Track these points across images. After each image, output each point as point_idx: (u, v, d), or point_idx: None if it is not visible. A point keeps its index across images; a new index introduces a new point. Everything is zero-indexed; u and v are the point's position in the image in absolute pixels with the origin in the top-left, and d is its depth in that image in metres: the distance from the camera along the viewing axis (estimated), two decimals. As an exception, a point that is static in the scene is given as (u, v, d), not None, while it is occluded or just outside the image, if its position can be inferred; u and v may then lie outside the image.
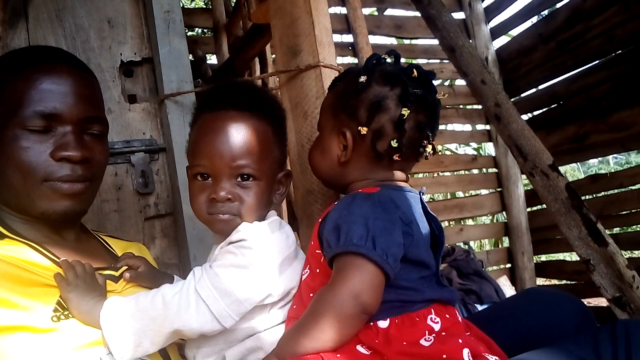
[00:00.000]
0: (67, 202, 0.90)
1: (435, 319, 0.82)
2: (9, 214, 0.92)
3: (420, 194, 0.93)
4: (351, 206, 0.83)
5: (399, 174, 0.94)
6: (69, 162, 0.88)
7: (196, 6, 4.90)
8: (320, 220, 0.90)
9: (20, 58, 0.94)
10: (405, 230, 0.82)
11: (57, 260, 0.89)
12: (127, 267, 1.00)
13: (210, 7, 2.84)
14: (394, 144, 0.88)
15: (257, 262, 0.85)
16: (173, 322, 0.81)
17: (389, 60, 0.96)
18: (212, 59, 3.01)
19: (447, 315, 0.84)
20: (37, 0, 1.45)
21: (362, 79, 0.92)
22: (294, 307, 0.91)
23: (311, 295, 0.85)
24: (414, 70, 0.91)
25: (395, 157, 0.89)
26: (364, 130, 0.89)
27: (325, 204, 1.17)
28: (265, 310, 0.89)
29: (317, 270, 0.88)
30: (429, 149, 0.90)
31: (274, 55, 2.41)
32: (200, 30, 4.29)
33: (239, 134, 0.90)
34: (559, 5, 3.34)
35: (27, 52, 1.00)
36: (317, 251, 0.88)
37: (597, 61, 3.06)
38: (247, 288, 0.83)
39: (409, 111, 0.87)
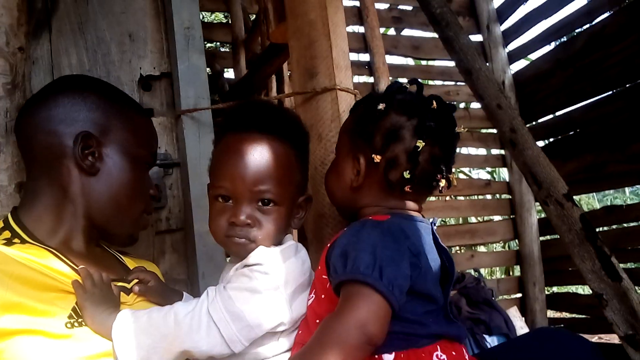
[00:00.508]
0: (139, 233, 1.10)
1: (441, 355, 0.81)
2: (82, 223, 0.99)
3: (432, 225, 0.92)
4: (360, 233, 0.82)
5: (411, 204, 0.93)
6: (153, 198, 1.13)
7: (216, 20, 4.96)
8: (328, 245, 0.89)
9: (131, 99, 1.16)
10: (413, 261, 0.81)
11: (76, 267, 0.92)
12: (137, 280, 1.02)
13: (230, 22, 2.88)
14: (407, 175, 0.87)
15: (272, 288, 0.85)
16: (183, 342, 0.81)
17: (410, 89, 0.95)
18: (229, 72, 3.04)
19: (454, 353, 0.82)
20: (60, 13, 1.47)
21: (381, 106, 0.92)
22: (300, 332, 0.90)
23: (317, 321, 0.84)
24: (434, 102, 0.90)
25: (407, 189, 0.88)
26: (377, 158, 0.89)
27: (337, 228, 1.16)
28: (275, 338, 0.88)
29: (323, 296, 0.87)
30: (443, 183, 0.89)
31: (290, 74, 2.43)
32: (218, 44, 4.34)
33: (262, 158, 0.91)
34: (578, 31, 3.33)
35: (130, 97, 1.19)
36: (323, 276, 0.87)
37: (615, 89, 3.04)
38: (259, 314, 0.83)
39: (423, 143, 0.86)
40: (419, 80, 0.99)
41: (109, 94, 1.07)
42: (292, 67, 1.33)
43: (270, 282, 0.85)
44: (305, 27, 1.26)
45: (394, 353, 0.79)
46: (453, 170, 0.95)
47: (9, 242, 0.90)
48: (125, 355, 0.81)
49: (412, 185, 0.88)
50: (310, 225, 1.23)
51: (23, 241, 0.91)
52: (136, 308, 0.92)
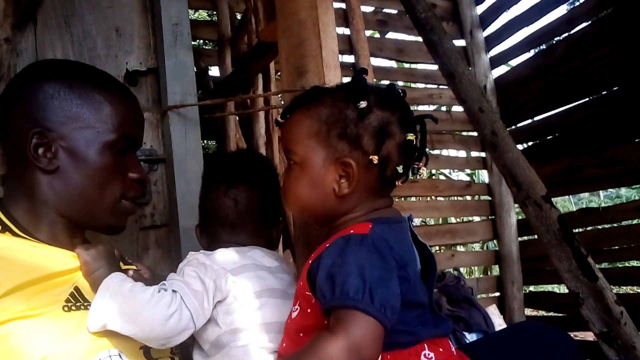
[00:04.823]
0: (126, 220, 1.05)
1: (428, 354, 0.80)
2: (52, 218, 0.95)
3: (409, 221, 0.90)
4: (345, 253, 0.78)
5: (388, 200, 0.92)
6: (139, 183, 1.03)
7: (199, 18, 4.93)
8: (309, 261, 0.85)
9: (101, 77, 1.03)
10: (401, 274, 0.79)
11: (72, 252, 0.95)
12: (134, 268, 1.05)
13: (216, 19, 2.87)
14: (400, 169, 0.86)
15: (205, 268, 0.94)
16: (153, 320, 0.85)
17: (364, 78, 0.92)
18: (213, 70, 3.03)
19: (441, 349, 0.83)
20: (46, 6, 1.46)
21: (363, 104, 0.85)
22: (284, 345, 0.89)
23: (301, 334, 0.84)
24: (402, 92, 0.91)
25: (399, 183, 0.88)
26: (375, 159, 0.84)
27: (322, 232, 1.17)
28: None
29: (309, 311, 0.84)
30: (425, 171, 0.89)
31: (278, 74, 2.43)
32: (202, 42, 4.32)
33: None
34: (557, 38, 3.41)
35: (103, 75, 1.06)
36: (307, 293, 0.84)
37: (593, 96, 3.12)
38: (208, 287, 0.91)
39: (414, 136, 0.86)
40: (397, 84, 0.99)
41: (71, 79, 0.98)
42: (281, 65, 1.34)
43: (204, 265, 0.95)
44: (295, 26, 1.27)
45: (380, 355, 0.77)
46: (433, 171, 0.95)
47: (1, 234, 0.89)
48: (98, 312, 0.86)
49: (405, 178, 0.88)
50: (297, 221, 1.24)
51: (14, 234, 0.90)
52: None
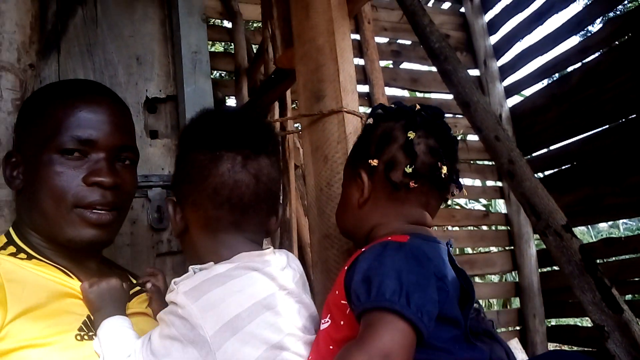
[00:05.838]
0: (94, 231, 0.91)
1: None
2: (37, 239, 0.93)
3: (448, 246, 0.90)
4: (382, 257, 0.78)
5: (420, 213, 0.91)
6: (100, 187, 0.90)
7: (215, 50, 5.04)
8: (345, 268, 0.85)
9: (62, 88, 0.99)
10: (439, 285, 0.78)
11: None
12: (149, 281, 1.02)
13: (233, 51, 2.92)
14: (408, 169, 0.87)
15: (191, 333, 0.73)
16: None
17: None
18: (230, 101, 3.07)
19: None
20: (70, 35, 1.50)
21: (369, 120, 0.96)
22: (310, 357, 0.86)
23: (331, 347, 0.81)
24: (417, 105, 0.94)
25: (412, 184, 0.87)
26: (374, 162, 0.90)
27: (342, 249, 1.15)
28: None
29: (342, 322, 0.82)
30: (445, 170, 0.88)
31: (294, 103, 2.46)
32: (219, 73, 4.40)
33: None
34: (573, 68, 3.41)
35: (68, 83, 1.07)
36: (342, 302, 0.82)
37: (610, 124, 3.09)
38: None
39: (414, 134, 0.88)
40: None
41: (40, 99, 0.98)
42: (298, 90, 1.34)
43: (189, 327, 0.73)
44: (312, 52, 1.28)
45: None
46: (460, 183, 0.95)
47: (14, 257, 0.89)
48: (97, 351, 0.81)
49: (416, 179, 0.87)
50: (315, 246, 1.22)
51: (30, 257, 0.89)
52: (134, 317, 0.91)
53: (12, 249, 0.90)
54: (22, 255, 0.89)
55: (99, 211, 0.91)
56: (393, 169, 0.89)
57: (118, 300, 0.90)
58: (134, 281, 1.09)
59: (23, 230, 0.93)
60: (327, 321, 0.86)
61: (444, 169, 0.88)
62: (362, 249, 0.84)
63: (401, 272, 0.75)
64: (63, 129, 0.90)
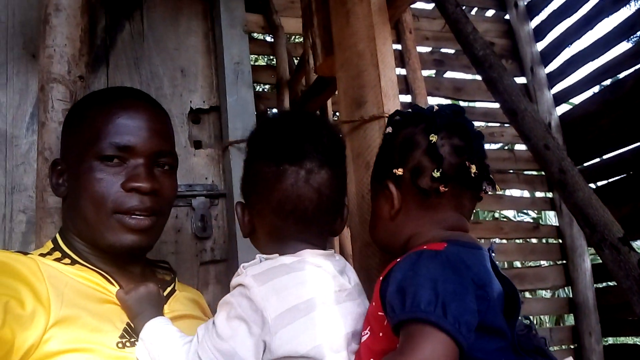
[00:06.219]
0: (134, 237, 0.92)
1: None
2: (80, 244, 0.95)
3: (490, 252, 0.85)
4: (417, 266, 0.75)
5: (456, 217, 0.88)
6: (138, 192, 0.91)
7: (257, 64, 5.14)
8: (381, 278, 0.83)
9: (101, 96, 1.01)
10: (479, 294, 0.74)
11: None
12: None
13: (274, 64, 2.95)
14: (436, 174, 0.84)
15: (256, 314, 0.75)
16: None
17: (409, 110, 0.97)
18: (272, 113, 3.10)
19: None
20: (118, 49, 1.55)
21: (388, 129, 0.94)
22: None
23: (371, 359, 0.79)
24: (435, 106, 0.91)
25: (442, 188, 0.85)
26: (399, 171, 0.88)
27: (384, 257, 1.12)
28: None
29: (381, 334, 0.80)
30: (473, 169, 0.85)
31: (336, 113, 2.45)
32: (262, 86, 4.46)
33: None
34: (626, 73, 3.26)
35: (107, 91, 1.11)
36: (379, 313, 0.80)
37: (669, 131, 2.92)
38: (249, 346, 0.74)
39: (436, 136, 0.85)
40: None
41: (78, 104, 1.02)
42: (339, 98, 1.33)
43: (254, 308, 0.76)
44: (353, 58, 1.27)
45: None
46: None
47: (58, 262, 0.90)
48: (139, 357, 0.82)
49: (446, 182, 0.85)
50: (356, 254, 1.19)
51: (73, 262, 0.91)
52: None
53: (57, 254, 0.92)
54: (67, 260, 0.91)
55: (138, 216, 0.91)
56: (420, 176, 0.87)
57: (156, 305, 0.90)
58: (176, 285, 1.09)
59: (68, 236, 0.96)
60: (367, 333, 0.84)
61: (473, 168, 0.85)
62: (398, 259, 0.81)
63: (437, 282, 0.71)
64: (102, 135, 0.92)
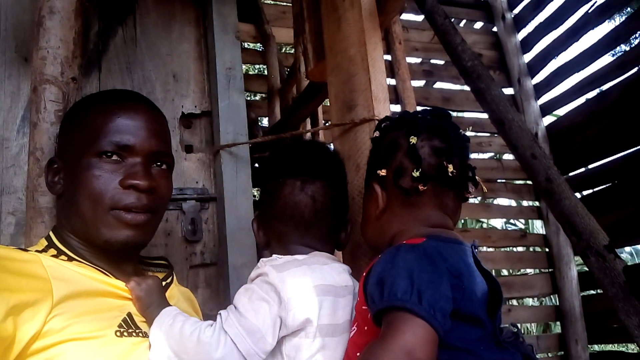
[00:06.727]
0: (129, 232, 0.93)
1: None
2: (76, 242, 0.96)
3: (472, 248, 0.88)
4: (395, 259, 0.79)
5: (438, 216, 0.91)
6: (135, 190, 0.93)
7: (249, 72, 5.16)
8: (364, 274, 0.86)
9: (101, 97, 1.05)
10: (454, 283, 0.77)
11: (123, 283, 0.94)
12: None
13: (265, 73, 2.98)
14: (415, 174, 0.88)
15: (277, 296, 0.86)
16: None
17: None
18: (263, 122, 3.12)
19: (508, 383, 0.77)
20: (110, 53, 1.56)
21: (375, 133, 1.01)
22: None
23: (358, 354, 0.80)
24: (419, 111, 0.97)
25: (421, 187, 0.88)
26: (382, 172, 0.93)
27: (373, 258, 1.14)
28: (280, 347, 0.88)
29: (365, 328, 0.84)
30: (451, 168, 0.88)
31: (326, 122, 2.47)
32: (253, 95, 4.48)
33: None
34: (611, 84, 3.32)
35: (107, 92, 1.11)
36: (363, 307, 0.84)
37: (653, 141, 2.98)
38: (271, 323, 0.84)
39: (415, 138, 0.90)
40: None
41: (77, 104, 1.04)
42: (330, 102, 1.35)
43: (274, 290, 0.86)
44: (344, 62, 1.29)
45: None
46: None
47: (56, 258, 0.91)
48: (155, 349, 0.86)
49: (425, 182, 0.88)
50: (347, 255, 1.21)
51: (70, 259, 0.92)
52: None
53: (53, 251, 0.93)
54: (63, 257, 0.92)
55: (134, 212, 0.93)
56: (402, 176, 0.91)
57: (162, 295, 0.95)
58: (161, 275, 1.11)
59: (63, 234, 0.96)
60: (354, 329, 0.87)
61: (451, 167, 0.89)
62: (379, 256, 0.85)
63: (413, 272, 0.75)
64: (102, 134, 0.94)
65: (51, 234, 0.97)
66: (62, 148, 1.02)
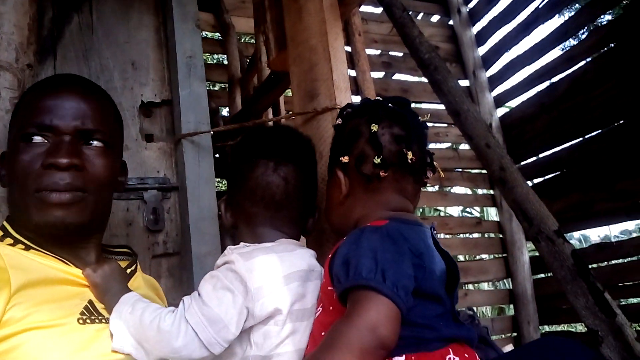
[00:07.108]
0: (57, 212, 0.89)
1: (454, 358, 0.79)
2: (26, 231, 0.93)
3: (431, 229, 0.93)
4: (359, 240, 0.82)
5: (399, 200, 0.95)
6: (56, 168, 0.89)
7: (207, 62, 5.09)
8: (330, 256, 0.89)
9: (39, 83, 1.03)
10: (415, 262, 0.81)
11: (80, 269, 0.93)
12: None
13: (226, 62, 2.96)
14: (377, 160, 0.91)
15: (241, 286, 0.86)
16: (163, 348, 0.82)
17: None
18: (224, 111, 3.09)
19: (466, 355, 0.81)
20: (66, 40, 1.52)
21: (338, 121, 1.03)
22: (308, 348, 0.89)
23: (323, 333, 0.83)
24: (380, 100, 1.00)
25: (382, 174, 0.92)
26: (345, 158, 0.96)
27: (337, 243, 1.16)
28: (246, 335, 0.88)
29: (331, 308, 0.86)
30: (410, 155, 0.92)
31: (288, 111, 2.48)
32: (213, 84, 4.43)
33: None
34: (560, 76, 3.47)
35: (47, 79, 1.07)
36: (329, 288, 0.87)
37: (598, 130, 3.14)
38: (233, 313, 0.84)
39: (377, 126, 0.93)
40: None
41: (22, 94, 1.05)
42: (292, 91, 1.37)
43: (239, 279, 0.86)
44: (306, 52, 1.31)
45: (404, 356, 0.77)
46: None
47: (12, 247, 0.90)
48: (117, 339, 0.85)
49: (385, 168, 0.91)
50: (311, 242, 1.23)
51: (27, 247, 0.90)
52: None
53: (9, 240, 0.91)
54: (20, 246, 0.90)
55: (58, 192, 0.89)
56: (363, 163, 0.94)
57: (122, 281, 0.94)
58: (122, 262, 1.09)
59: (16, 224, 0.94)
60: (320, 310, 0.90)
61: (410, 154, 0.92)
62: (344, 238, 0.88)
63: (376, 251, 0.79)
64: (27, 118, 0.92)
65: (5, 223, 0.95)
66: (7, 138, 1.00)
